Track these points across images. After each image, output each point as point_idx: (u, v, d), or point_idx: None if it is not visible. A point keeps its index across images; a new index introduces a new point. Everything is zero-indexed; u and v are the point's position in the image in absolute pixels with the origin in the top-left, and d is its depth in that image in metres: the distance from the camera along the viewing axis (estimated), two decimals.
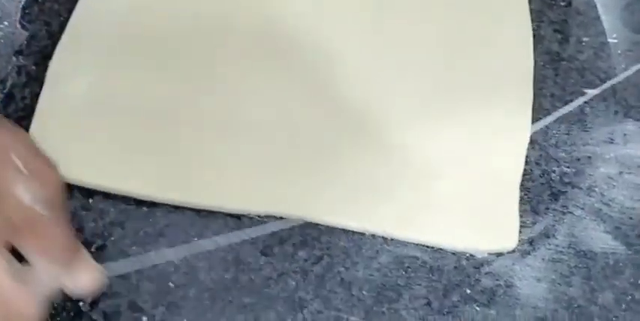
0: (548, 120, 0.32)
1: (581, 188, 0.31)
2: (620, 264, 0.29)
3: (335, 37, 0.32)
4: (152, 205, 0.28)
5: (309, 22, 0.32)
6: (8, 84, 0.30)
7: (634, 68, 0.34)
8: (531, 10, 0.35)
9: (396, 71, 0.32)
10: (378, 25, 0.33)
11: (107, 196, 0.28)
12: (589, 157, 0.32)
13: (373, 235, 0.28)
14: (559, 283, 0.28)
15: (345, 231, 0.28)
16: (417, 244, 0.28)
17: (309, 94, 0.30)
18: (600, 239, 0.30)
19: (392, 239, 0.28)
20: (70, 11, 0.31)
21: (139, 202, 0.28)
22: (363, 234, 0.28)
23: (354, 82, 0.31)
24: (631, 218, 0.30)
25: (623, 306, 0.28)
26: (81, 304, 0.25)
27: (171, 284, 0.26)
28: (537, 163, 0.31)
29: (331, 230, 0.28)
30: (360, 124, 0.30)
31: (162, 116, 0.29)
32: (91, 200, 0.28)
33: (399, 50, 0.32)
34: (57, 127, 0.28)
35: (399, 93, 0.31)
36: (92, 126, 0.28)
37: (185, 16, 0.32)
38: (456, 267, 0.28)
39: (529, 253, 0.29)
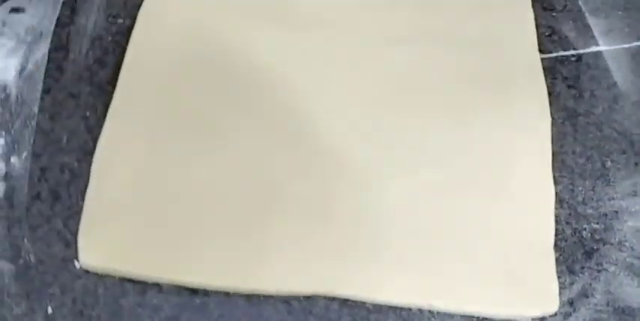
0: (573, 177, 0.35)
1: (612, 244, 0.32)
2: None
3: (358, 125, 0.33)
4: (204, 295, 0.29)
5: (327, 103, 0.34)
6: (52, 182, 0.31)
7: None
8: (544, 68, 0.37)
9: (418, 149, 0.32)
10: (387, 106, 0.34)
11: (160, 289, 0.29)
12: (616, 212, 0.33)
13: (420, 310, 0.29)
14: None
15: (391, 307, 0.29)
16: (464, 316, 0.29)
17: (346, 174, 0.31)
18: (637, 294, 0.31)
19: (438, 312, 0.29)
20: (106, 105, 0.32)
21: (192, 293, 0.29)
22: (409, 309, 0.29)
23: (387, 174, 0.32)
24: None
25: None
26: None
27: None
28: (567, 222, 0.33)
29: (379, 308, 0.29)
30: (396, 201, 0.31)
31: (210, 202, 0.30)
32: (145, 296, 0.29)
33: (418, 126, 0.33)
34: (106, 222, 0.30)
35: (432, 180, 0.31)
36: (141, 217, 0.30)
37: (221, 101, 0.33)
38: None
39: (570, 315, 0.30)
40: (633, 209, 0.34)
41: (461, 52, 0.36)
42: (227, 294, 0.29)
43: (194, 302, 0.29)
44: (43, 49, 0.34)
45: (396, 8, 0.37)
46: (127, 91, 0.32)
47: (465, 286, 0.29)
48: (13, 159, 0.31)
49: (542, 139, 0.34)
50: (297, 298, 0.29)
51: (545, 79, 0.36)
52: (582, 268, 0.31)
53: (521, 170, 0.33)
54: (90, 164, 0.31)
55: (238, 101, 0.33)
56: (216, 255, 0.29)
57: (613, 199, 0.34)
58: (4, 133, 0.32)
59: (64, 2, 0.35)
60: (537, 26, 0.38)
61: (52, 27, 0.34)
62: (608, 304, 0.31)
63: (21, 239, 0.30)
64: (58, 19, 0.35)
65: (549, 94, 0.36)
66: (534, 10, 0.38)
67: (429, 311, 0.29)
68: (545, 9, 0.39)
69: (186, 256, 0.29)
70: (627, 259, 0.32)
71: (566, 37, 0.38)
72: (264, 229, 0.30)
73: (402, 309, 0.29)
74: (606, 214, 0.34)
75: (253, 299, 0.29)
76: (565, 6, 0.39)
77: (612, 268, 0.32)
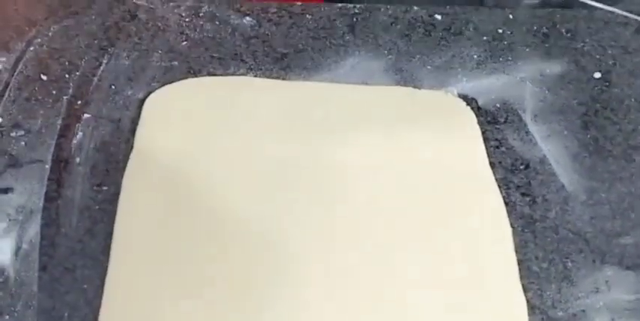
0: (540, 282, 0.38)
1: None
2: None
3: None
4: None
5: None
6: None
7: (597, 215, 0.41)
8: (497, 179, 0.42)
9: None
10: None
11: None
12: (583, 311, 0.37)
13: None
14: None
15: None
16: None
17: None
18: None
19: None
20: (100, 276, 0.35)
21: None
22: None
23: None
24: None
25: None
26: None
27: None
28: None
29: None
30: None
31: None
32: None
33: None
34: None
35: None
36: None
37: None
38: None
39: None
40: (597, 306, 0.37)
41: (419, 175, 0.41)
42: None
43: None
44: (35, 227, 0.37)
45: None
46: (120, 261, 0.35)
47: None
48: None
49: (507, 250, 0.38)
50: None
51: (500, 191, 0.41)
52: None
53: (491, 284, 0.37)
54: None
55: (224, 252, 0.36)
56: None
57: (579, 298, 0.38)
58: (7, 316, 0.34)
59: (49, 177, 0.38)
60: (486, 140, 0.43)
61: (41, 203, 0.37)
62: None
63: None
64: (46, 193, 0.38)
65: (506, 204, 0.41)
66: (481, 126, 0.43)
67: None
68: (489, 123, 0.44)
69: None
70: None
71: (513, 147, 0.43)
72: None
73: None
74: (575, 314, 0.37)
75: None
76: (507, 118, 0.44)
77: None
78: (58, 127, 0.40)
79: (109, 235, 0.37)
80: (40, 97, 0.42)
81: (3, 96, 0.41)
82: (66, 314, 0.35)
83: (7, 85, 0.42)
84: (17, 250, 0.36)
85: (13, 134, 0.40)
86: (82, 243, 0.37)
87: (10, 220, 0.37)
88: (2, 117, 0.40)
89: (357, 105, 0.43)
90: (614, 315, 0.37)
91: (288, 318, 0.34)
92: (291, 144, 0.40)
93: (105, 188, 0.39)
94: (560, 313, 0.37)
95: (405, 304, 0.36)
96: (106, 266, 0.36)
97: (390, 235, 0.38)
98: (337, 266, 0.36)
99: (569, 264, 0.39)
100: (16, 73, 0.42)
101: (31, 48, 0.44)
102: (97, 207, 0.38)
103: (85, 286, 0.35)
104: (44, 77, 0.43)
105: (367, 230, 0.38)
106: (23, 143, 0.40)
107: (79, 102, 0.42)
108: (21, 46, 0.44)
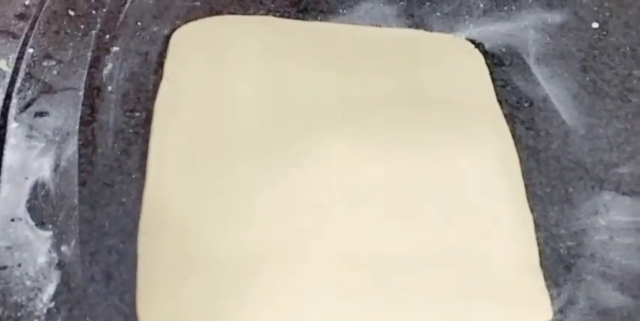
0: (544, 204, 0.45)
1: (586, 257, 0.43)
2: (633, 314, 0.40)
3: None
4: None
5: None
6: (102, 264, 0.39)
7: (596, 147, 0.48)
8: (505, 115, 0.48)
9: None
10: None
11: None
12: (584, 229, 0.44)
13: None
14: None
15: None
16: None
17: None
18: (612, 297, 0.41)
19: None
20: (138, 190, 0.40)
21: None
22: None
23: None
24: (629, 273, 0.42)
25: None
26: None
27: None
28: (546, 243, 0.43)
29: None
30: (401, 246, 0.40)
31: (253, 266, 0.38)
32: None
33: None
34: (161, 291, 0.37)
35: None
36: (192, 283, 0.37)
37: None
38: None
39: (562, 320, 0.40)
40: (597, 226, 0.44)
41: (430, 109, 0.47)
42: None
43: None
44: (72, 147, 0.42)
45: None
46: (156, 176, 0.40)
47: (471, 308, 0.39)
48: (64, 248, 0.39)
49: (515, 176, 0.45)
50: None
51: (508, 124, 0.48)
52: (565, 280, 0.42)
53: (503, 204, 0.43)
54: (134, 244, 0.39)
55: (255, 167, 0.41)
56: (265, 309, 0.37)
57: (579, 218, 0.44)
58: (51, 225, 0.39)
59: (83, 103, 0.44)
60: (493, 80, 0.50)
61: (77, 126, 0.43)
62: (591, 308, 0.41)
63: (83, 318, 0.37)
64: (81, 118, 0.43)
65: (513, 136, 0.47)
66: (488, 67, 0.50)
67: None
68: (496, 65, 0.50)
69: (239, 313, 0.37)
70: (600, 269, 0.42)
71: (517, 86, 0.50)
72: (299, 281, 0.38)
73: None
74: (576, 233, 0.44)
75: None
76: (512, 61, 0.51)
77: (589, 278, 0.42)
78: (89, 58, 0.45)
79: (144, 154, 0.42)
80: (68, 31, 0.47)
81: (33, 28, 0.46)
82: (107, 224, 0.40)
83: (35, 19, 0.47)
84: (56, 167, 0.41)
85: (45, 64, 0.45)
86: (118, 161, 0.42)
87: (47, 140, 0.42)
88: (33, 48, 0.45)
89: (372, 44, 0.49)
90: (612, 233, 0.44)
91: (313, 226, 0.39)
92: (308, 75, 0.46)
93: (137, 114, 0.44)
94: (563, 231, 0.44)
95: (419, 221, 0.42)
96: (143, 183, 0.41)
97: (401, 166, 0.44)
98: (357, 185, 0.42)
99: (570, 189, 0.46)
100: (44, 8, 0.48)
101: None
102: (131, 130, 0.43)
103: (124, 199, 0.41)
104: (72, 13, 0.48)
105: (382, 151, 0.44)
106: (55, 72, 0.45)
107: (107, 36, 0.47)
108: None
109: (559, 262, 0.42)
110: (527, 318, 0.39)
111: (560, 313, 0.40)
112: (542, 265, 0.41)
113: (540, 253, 0.42)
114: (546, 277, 0.41)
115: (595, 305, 0.41)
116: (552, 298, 0.40)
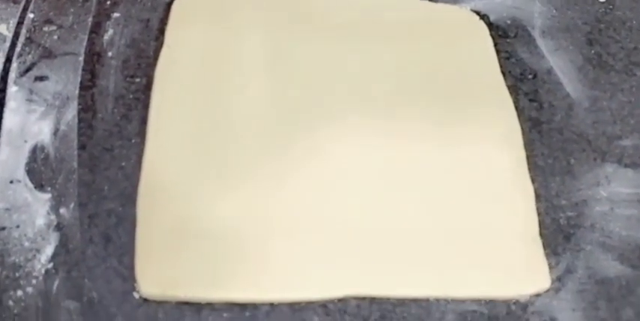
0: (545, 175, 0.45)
1: (585, 227, 0.43)
2: (632, 284, 0.41)
3: None
4: (253, 308, 0.37)
5: None
6: (101, 227, 0.39)
7: (599, 120, 0.48)
8: (508, 87, 0.48)
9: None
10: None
11: (213, 308, 0.37)
12: (585, 200, 0.44)
13: (437, 299, 0.39)
14: (589, 309, 0.39)
15: (412, 300, 0.38)
16: (474, 300, 0.39)
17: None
18: (611, 266, 0.41)
19: (452, 299, 0.39)
20: (138, 155, 0.40)
21: (242, 308, 0.37)
22: (427, 299, 0.38)
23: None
24: (629, 244, 0.42)
25: None
26: None
27: None
28: (547, 213, 0.43)
29: (402, 301, 0.38)
30: (402, 211, 0.40)
31: (251, 227, 0.39)
32: (200, 315, 0.36)
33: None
34: (159, 253, 0.38)
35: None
36: (190, 246, 0.38)
37: None
38: (508, 312, 0.39)
39: (560, 289, 0.40)
40: (598, 197, 0.44)
41: (435, 79, 0.47)
42: (272, 305, 0.38)
43: (244, 315, 0.37)
44: (72, 111, 0.42)
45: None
46: (156, 141, 0.41)
47: (470, 275, 0.39)
48: (62, 210, 0.39)
49: (517, 147, 0.45)
50: (332, 302, 0.38)
51: (511, 96, 0.48)
52: (564, 249, 0.42)
53: (504, 175, 0.43)
54: (133, 208, 0.39)
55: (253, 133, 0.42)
56: (263, 272, 0.38)
57: (580, 190, 0.44)
58: (49, 188, 0.40)
59: (83, 68, 0.44)
60: (497, 52, 0.49)
61: (77, 91, 0.43)
62: (589, 277, 0.41)
63: (82, 279, 0.38)
64: (81, 83, 0.43)
65: (515, 108, 0.47)
66: (493, 39, 0.50)
67: (444, 299, 0.38)
68: (500, 37, 0.50)
69: (235, 276, 0.37)
70: (600, 239, 0.42)
71: (522, 58, 0.50)
72: (296, 246, 0.39)
73: (421, 300, 0.38)
74: (577, 203, 0.44)
75: (295, 306, 0.38)
76: (517, 33, 0.51)
77: (589, 247, 0.42)
78: (89, 24, 0.46)
79: (144, 120, 0.42)
80: None
81: None
82: (106, 187, 0.40)
83: None
84: (56, 131, 0.42)
85: (45, 29, 0.46)
86: (118, 126, 0.42)
87: (47, 104, 0.43)
88: (34, 13, 0.46)
89: (376, 14, 0.49)
90: (613, 205, 0.44)
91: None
92: (310, 43, 0.46)
93: (137, 80, 0.44)
94: (564, 202, 0.44)
95: (422, 191, 0.42)
96: (142, 148, 0.41)
97: (403, 138, 0.44)
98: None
99: (572, 160, 0.46)
100: None
101: None
102: (131, 96, 0.43)
103: (123, 163, 0.41)
104: None
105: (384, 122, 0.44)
106: (56, 37, 0.45)
107: (108, 2, 0.47)
108: None
109: (559, 232, 0.42)
110: (525, 286, 0.39)
111: (558, 281, 0.40)
112: (541, 234, 0.42)
113: (540, 223, 0.42)
114: (545, 247, 0.41)
115: (593, 274, 0.41)
116: (551, 267, 0.40)
